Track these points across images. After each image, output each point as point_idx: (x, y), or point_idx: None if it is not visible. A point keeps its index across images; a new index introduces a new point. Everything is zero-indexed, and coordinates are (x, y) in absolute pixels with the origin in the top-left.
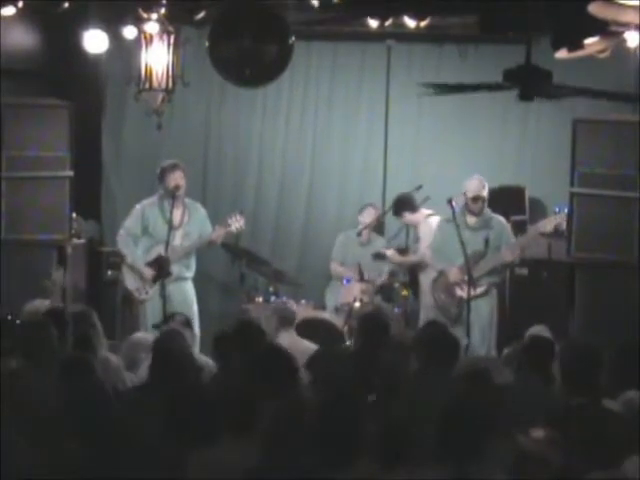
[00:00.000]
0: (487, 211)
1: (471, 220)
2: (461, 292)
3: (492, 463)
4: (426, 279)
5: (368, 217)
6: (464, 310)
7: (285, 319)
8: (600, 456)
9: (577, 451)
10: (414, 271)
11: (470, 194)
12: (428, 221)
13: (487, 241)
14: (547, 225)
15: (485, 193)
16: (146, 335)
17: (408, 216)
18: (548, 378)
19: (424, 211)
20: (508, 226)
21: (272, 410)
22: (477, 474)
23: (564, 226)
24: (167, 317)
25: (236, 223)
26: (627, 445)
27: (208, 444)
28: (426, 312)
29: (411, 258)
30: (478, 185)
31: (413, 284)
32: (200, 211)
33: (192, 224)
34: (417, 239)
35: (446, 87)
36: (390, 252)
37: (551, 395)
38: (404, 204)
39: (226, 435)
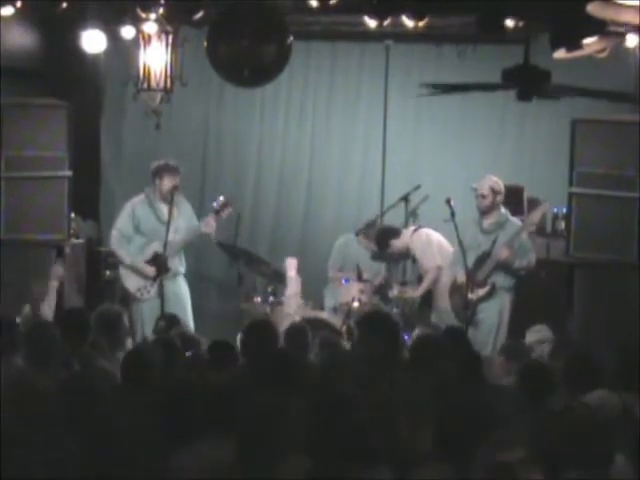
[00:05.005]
0: (504, 214)
1: (486, 222)
2: (470, 294)
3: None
4: (440, 285)
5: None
6: (475, 312)
7: None
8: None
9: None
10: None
11: (474, 186)
12: (417, 236)
13: (494, 242)
14: (534, 216)
15: (487, 191)
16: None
17: (395, 243)
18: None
19: (406, 231)
20: (523, 229)
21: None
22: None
23: (549, 212)
24: (165, 317)
25: (225, 209)
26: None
27: (192, 441)
28: (438, 315)
29: (424, 285)
30: (483, 182)
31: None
32: (186, 205)
33: (181, 218)
34: (414, 260)
35: (445, 87)
36: (399, 291)
37: None
38: (386, 234)
39: (210, 432)
